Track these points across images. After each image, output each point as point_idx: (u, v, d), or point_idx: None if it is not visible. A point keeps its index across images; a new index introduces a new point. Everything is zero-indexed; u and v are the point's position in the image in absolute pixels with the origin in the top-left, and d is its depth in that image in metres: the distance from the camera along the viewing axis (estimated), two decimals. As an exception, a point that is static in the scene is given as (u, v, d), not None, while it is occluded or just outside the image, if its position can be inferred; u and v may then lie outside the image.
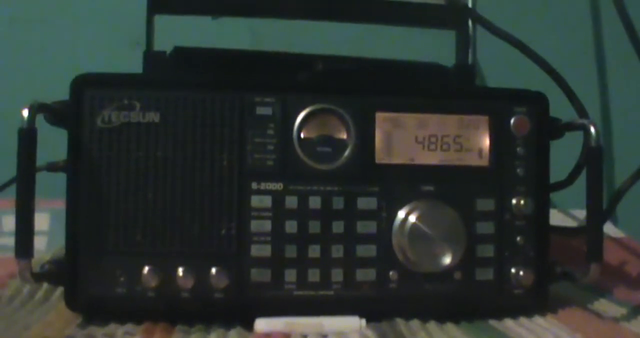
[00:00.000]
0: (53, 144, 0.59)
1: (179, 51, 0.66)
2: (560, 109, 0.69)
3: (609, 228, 0.96)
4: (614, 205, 0.79)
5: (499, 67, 0.99)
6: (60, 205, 0.59)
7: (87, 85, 0.59)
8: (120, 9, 1.00)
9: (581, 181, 0.65)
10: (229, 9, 0.73)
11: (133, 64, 0.65)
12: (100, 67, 0.61)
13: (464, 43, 0.73)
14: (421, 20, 0.74)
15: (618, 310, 0.67)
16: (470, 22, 0.81)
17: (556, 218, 0.90)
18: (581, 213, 0.67)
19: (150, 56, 0.65)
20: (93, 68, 0.60)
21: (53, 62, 0.99)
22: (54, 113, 0.59)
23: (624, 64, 1.01)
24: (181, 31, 0.73)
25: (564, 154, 0.69)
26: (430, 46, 0.84)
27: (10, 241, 0.56)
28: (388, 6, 0.74)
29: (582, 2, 1.06)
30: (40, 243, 0.80)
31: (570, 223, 0.97)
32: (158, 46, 0.67)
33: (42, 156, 0.58)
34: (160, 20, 0.68)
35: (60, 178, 0.59)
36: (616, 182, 1.08)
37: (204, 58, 0.68)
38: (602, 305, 0.69)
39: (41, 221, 0.83)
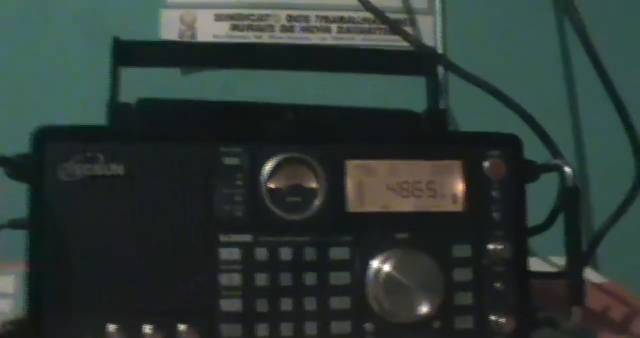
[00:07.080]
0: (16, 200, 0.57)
1: (143, 102, 0.64)
2: (535, 152, 0.68)
3: (591, 274, 0.95)
4: (593, 248, 0.79)
5: (472, 111, 0.99)
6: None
7: (48, 138, 0.57)
8: (86, 64, 0.98)
9: (560, 228, 0.64)
10: (197, 61, 0.73)
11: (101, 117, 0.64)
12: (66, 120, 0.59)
13: (435, 88, 0.73)
14: (390, 67, 0.74)
15: (603, 356, 0.65)
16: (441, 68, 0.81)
17: (536, 265, 0.89)
18: (562, 260, 0.66)
19: (115, 108, 0.63)
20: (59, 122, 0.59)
21: (18, 118, 0.97)
22: (15, 167, 0.57)
23: (596, 105, 1.01)
24: (148, 81, 0.72)
25: (542, 197, 0.69)
26: (401, 92, 0.83)
27: (-29, 304, 0.54)
28: (357, 54, 0.74)
29: (553, 45, 1.06)
30: (5, 306, 0.78)
31: (551, 269, 0.95)
32: (126, 98, 0.66)
33: (4, 214, 0.56)
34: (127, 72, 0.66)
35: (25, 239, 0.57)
36: (594, 226, 1.07)
37: (169, 109, 0.67)
38: (587, 351, 0.67)
39: (6, 284, 0.81)
